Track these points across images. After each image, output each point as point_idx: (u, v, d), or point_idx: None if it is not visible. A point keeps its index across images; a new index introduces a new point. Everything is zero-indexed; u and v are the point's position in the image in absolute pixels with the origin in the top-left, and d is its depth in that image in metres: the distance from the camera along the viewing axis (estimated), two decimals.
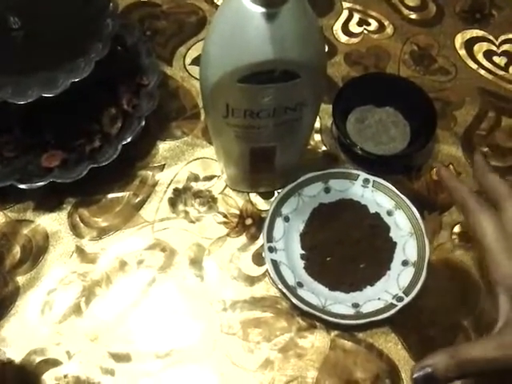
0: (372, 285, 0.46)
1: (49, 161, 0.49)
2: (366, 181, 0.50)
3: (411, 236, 0.47)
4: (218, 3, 0.63)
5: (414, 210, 0.48)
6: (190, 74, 0.59)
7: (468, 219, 0.38)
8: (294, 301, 0.44)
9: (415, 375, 0.34)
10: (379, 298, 0.45)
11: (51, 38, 0.48)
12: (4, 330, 0.45)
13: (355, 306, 0.45)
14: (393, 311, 0.43)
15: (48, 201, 0.51)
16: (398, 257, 0.47)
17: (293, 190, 0.49)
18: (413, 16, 0.63)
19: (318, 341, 0.45)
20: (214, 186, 0.52)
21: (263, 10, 0.31)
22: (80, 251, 0.49)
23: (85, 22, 0.49)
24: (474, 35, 0.62)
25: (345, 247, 0.47)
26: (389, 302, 0.44)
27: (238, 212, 0.51)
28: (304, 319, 0.45)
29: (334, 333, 0.45)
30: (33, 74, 0.45)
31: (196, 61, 0.59)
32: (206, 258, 0.48)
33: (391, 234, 0.48)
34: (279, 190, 0.50)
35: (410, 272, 0.46)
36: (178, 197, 0.51)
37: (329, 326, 0.45)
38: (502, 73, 0.59)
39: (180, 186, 0.52)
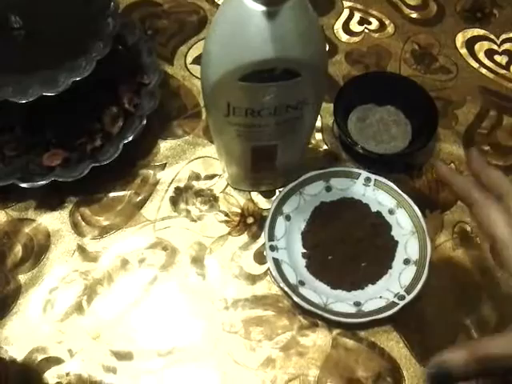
0: (374, 283, 0.46)
1: (50, 160, 0.49)
2: (368, 179, 0.50)
3: (413, 235, 0.47)
4: (219, 2, 0.63)
5: (416, 208, 0.48)
6: (191, 73, 0.59)
7: (476, 212, 0.37)
8: (296, 299, 0.44)
9: (430, 371, 0.32)
10: (381, 297, 0.45)
11: (52, 37, 0.48)
12: (6, 328, 0.45)
13: (357, 304, 0.45)
14: (394, 310, 0.43)
15: (49, 200, 0.51)
16: (399, 255, 0.47)
17: (294, 188, 0.49)
18: (414, 15, 0.63)
19: (319, 339, 0.45)
20: (216, 184, 0.52)
21: (264, 8, 0.31)
22: (82, 250, 0.49)
23: (86, 21, 0.49)
24: (475, 34, 0.62)
25: (346, 246, 0.47)
26: (390, 300, 0.44)
27: (239, 211, 0.51)
28: (306, 317, 0.45)
29: (335, 331, 0.45)
30: (34, 73, 0.45)
31: (197, 60, 0.59)
32: (208, 257, 0.48)
33: (393, 233, 0.48)
34: (280, 189, 0.50)
35: (411, 270, 0.46)
36: (180, 196, 0.51)
37: (330, 325, 0.45)
38: (503, 72, 0.59)
39: (181, 185, 0.52)
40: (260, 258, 0.48)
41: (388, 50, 0.61)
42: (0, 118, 0.50)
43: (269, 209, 0.49)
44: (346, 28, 0.62)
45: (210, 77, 0.36)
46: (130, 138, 0.50)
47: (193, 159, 0.53)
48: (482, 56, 0.60)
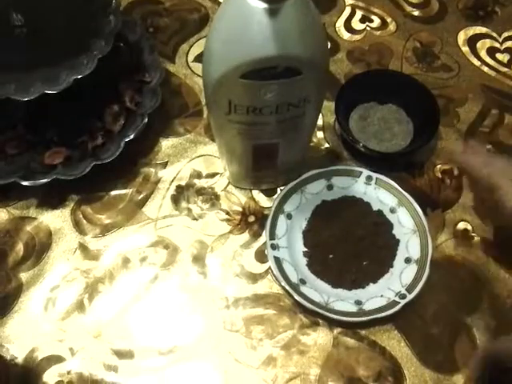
0: (375, 282, 0.46)
1: (52, 158, 0.49)
2: (369, 178, 0.50)
3: (414, 233, 0.47)
4: (220, 0, 0.63)
5: (417, 207, 0.48)
6: (192, 71, 0.59)
7: None
8: (297, 298, 0.44)
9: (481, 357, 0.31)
10: (382, 296, 0.45)
11: (54, 35, 0.48)
12: (7, 326, 0.45)
13: (358, 303, 0.44)
14: (396, 308, 0.43)
15: (51, 198, 0.51)
16: (400, 254, 0.47)
17: (295, 187, 0.49)
18: (416, 13, 0.63)
19: (320, 338, 0.45)
20: (217, 183, 0.52)
21: (265, 5, 0.31)
22: (83, 248, 0.49)
23: (87, 19, 0.49)
24: (477, 32, 0.62)
25: (347, 244, 0.47)
26: (391, 299, 0.44)
27: (240, 209, 0.51)
28: (307, 316, 0.45)
29: (336, 330, 0.45)
30: (36, 70, 0.45)
31: (199, 58, 0.59)
32: (209, 255, 0.48)
33: (394, 232, 0.48)
34: (282, 188, 0.50)
35: (412, 269, 0.45)
36: (181, 194, 0.51)
37: (331, 323, 0.45)
38: (505, 70, 0.59)
39: (183, 183, 0.52)
40: (261, 256, 0.48)
41: (390, 47, 0.60)
42: (2, 116, 0.51)
43: (270, 207, 0.49)
44: (348, 26, 0.62)
45: (212, 74, 0.35)
46: (132, 137, 0.50)
47: (194, 157, 0.53)
48: (483, 54, 0.60)
